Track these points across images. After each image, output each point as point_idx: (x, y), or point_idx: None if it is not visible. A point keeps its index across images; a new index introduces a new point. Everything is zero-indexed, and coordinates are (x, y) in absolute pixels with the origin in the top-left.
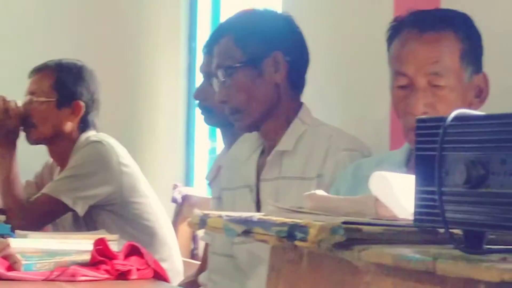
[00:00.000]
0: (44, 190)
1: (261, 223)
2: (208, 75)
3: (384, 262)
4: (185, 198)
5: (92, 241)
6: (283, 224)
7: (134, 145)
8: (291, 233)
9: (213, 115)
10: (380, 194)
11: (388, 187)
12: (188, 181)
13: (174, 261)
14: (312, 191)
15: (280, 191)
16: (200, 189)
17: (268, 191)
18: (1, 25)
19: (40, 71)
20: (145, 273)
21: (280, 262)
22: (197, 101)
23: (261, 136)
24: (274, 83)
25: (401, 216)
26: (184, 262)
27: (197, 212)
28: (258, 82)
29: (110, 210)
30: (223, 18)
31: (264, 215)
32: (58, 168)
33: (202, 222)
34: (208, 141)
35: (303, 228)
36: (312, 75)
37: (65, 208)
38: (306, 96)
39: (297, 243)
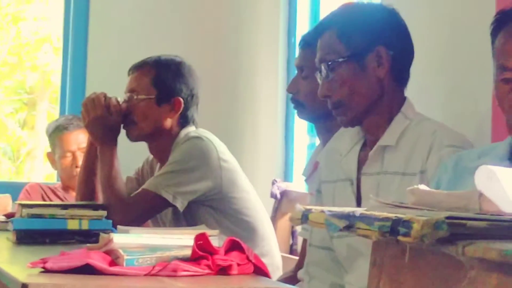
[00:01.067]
0: (145, 186)
1: (363, 218)
2: (301, 68)
3: (488, 257)
4: (283, 193)
5: (193, 237)
6: (386, 219)
7: (233, 141)
8: (394, 228)
9: (304, 109)
10: (486, 188)
11: (495, 181)
12: (287, 177)
13: (274, 256)
14: (415, 186)
15: (381, 186)
16: (299, 184)
17: (369, 185)
18: (102, 22)
19: (140, 68)
20: (246, 268)
21: (382, 257)
22: (290, 95)
23: (362, 130)
24: (377, 77)
25: (508, 211)
26: (283, 257)
27: (299, 207)
28: (361, 76)
29: (210, 205)
30: (322, 14)
31: (366, 210)
32: (158, 164)
33: (304, 217)
34: (307, 136)
35: (406, 223)
36: (415, 70)
37: (165, 204)
38: (409, 91)
39: (400, 238)
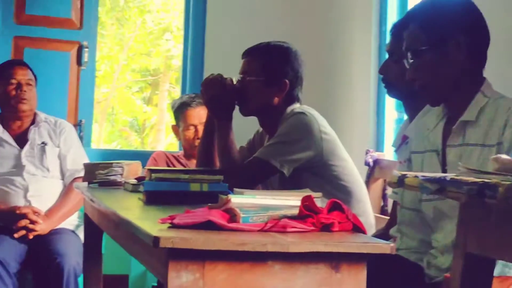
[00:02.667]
0: (256, 154)
1: (453, 182)
2: (391, 53)
3: None
4: (376, 161)
5: (300, 198)
6: (473, 183)
7: (332, 116)
8: (481, 191)
9: (394, 89)
10: None
11: None
12: (378, 147)
13: (368, 216)
14: (498, 155)
15: (463, 156)
16: (389, 153)
17: (453, 156)
18: (218, 12)
19: (252, 53)
20: (346, 225)
21: (469, 218)
22: (382, 76)
23: (446, 107)
24: (457, 62)
25: None
26: (375, 217)
27: (396, 173)
28: (442, 62)
29: (313, 172)
30: (410, 5)
31: (455, 176)
32: (267, 136)
33: (400, 181)
34: (395, 112)
35: (493, 187)
36: (492, 53)
37: (274, 170)
38: (487, 72)
39: (487, 200)
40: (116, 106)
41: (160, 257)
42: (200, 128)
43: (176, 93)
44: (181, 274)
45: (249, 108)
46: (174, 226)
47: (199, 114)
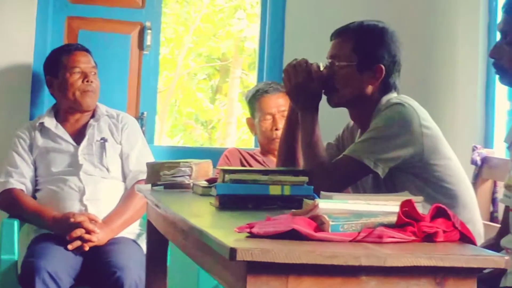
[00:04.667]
0: (346, 152)
1: None
2: (505, 33)
3: None
4: (484, 160)
5: (398, 203)
6: None
7: (434, 107)
8: None
9: (507, 75)
10: None
11: None
12: (487, 143)
13: (475, 223)
14: None
15: None
16: (500, 150)
17: None
18: None
19: (341, 34)
20: (452, 235)
21: None
22: (492, 60)
23: None
24: None
25: None
26: (484, 224)
27: None
28: None
29: (411, 172)
30: None
31: None
32: (359, 131)
33: None
34: (508, 102)
35: None
36: None
37: (366, 170)
38: None
39: None
40: (179, 96)
41: (237, 271)
42: (279, 118)
43: (250, 80)
44: None
45: (339, 98)
46: (253, 236)
47: (277, 102)
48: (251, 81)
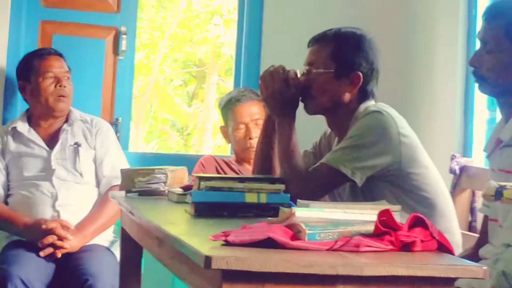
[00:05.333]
0: (323, 160)
1: None
2: (485, 41)
3: None
4: (463, 169)
5: (376, 212)
6: None
7: (411, 114)
8: None
9: (487, 84)
10: None
11: None
12: (466, 152)
13: (453, 233)
14: None
15: None
16: (479, 159)
17: None
18: None
19: (319, 41)
20: (430, 245)
21: None
22: (472, 68)
23: None
24: None
25: None
26: (462, 234)
27: (493, 183)
28: None
29: (388, 181)
30: None
31: None
32: (336, 138)
33: (498, 194)
34: (487, 110)
35: None
36: None
37: (344, 179)
38: None
39: None
40: (155, 101)
41: (212, 279)
42: (252, 127)
43: (227, 86)
44: None
45: (316, 106)
46: (228, 244)
47: (250, 111)
48: (228, 87)
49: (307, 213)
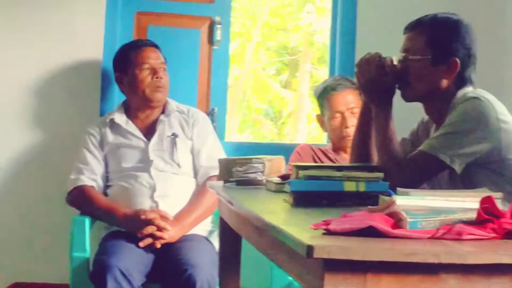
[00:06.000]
0: (421, 148)
1: None
2: None
3: None
4: None
5: (477, 199)
6: None
7: (508, 100)
8: None
9: None
10: None
11: None
12: None
13: None
14: None
15: None
16: None
17: None
18: None
19: (415, 27)
20: None
21: None
22: None
23: None
24: None
25: None
26: None
27: None
28: None
29: (488, 167)
30: None
31: None
32: (434, 125)
33: None
34: None
35: None
36: None
37: (442, 166)
38: None
39: None
40: (248, 91)
41: (314, 269)
42: (348, 116)
43: (319, 75)
44: None
45: (413, 93)
46: (329, 233)
47: (345, 99)
48: (321, 75)
49: (407, 201)
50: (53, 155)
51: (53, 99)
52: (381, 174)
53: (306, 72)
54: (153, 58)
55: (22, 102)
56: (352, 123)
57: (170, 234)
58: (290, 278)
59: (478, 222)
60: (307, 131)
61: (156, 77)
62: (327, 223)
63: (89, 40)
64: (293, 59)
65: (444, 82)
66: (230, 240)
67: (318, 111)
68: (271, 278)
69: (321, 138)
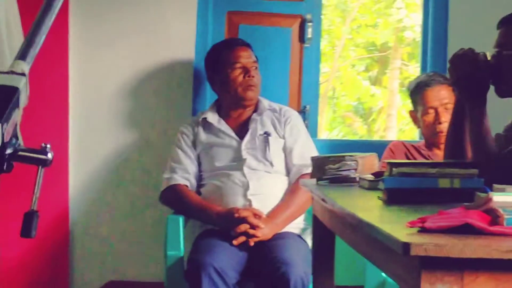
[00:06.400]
0: None
1: None
2: None
3: None
4: None
5: None
6: None
7: None
8: None
9: None
10: None
11: None
12: None
13: None
14: None
15: None
16: None
17: None
18: None
19: (509, 22)
20: None
21: None
22: None
23: None
24: None
25: None
26: None
27: None
28: None
29: None
30: None
31: None
32: None
33: None
34: None
35: None
36: None
37: None
38: None
39: None
40: (337, 88)
41: (410, 266)
42: (441, 111)
43: (410, 71)
44: (436, 287)
45: (508, 88)
46: (425, 230)
47: (439, 95)
48: (411, 71)
49: (504, 197)
50: (147, 154)
51: (146, 98)
52: (476, 171)
53: (396, 68)
54: (244, 57)
55: (117, 101)
56: (446, 118)
57: (264, 232)
58: (384, 275)
59: None
60: (397, 127)
61: (248, 76)
62: (423, 220)
63: (181, 40)
64: (383, 56)
65: None
66: (324, 237)
67: (410, 107)
68: (365, 276)
69: (412, 134)
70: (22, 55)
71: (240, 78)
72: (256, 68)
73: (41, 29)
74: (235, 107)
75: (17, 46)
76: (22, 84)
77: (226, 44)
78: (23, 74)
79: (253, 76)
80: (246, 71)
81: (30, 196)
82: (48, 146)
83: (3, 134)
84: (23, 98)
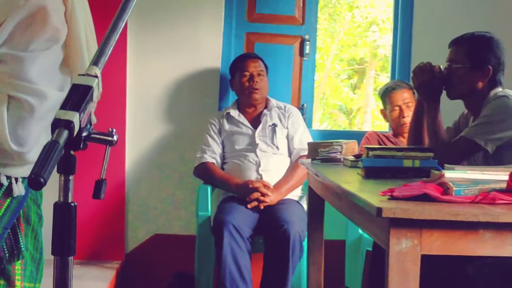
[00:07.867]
0: (462, 134)
1: None
2: None
3: None
4: None
5: (507, 173)
6: None
7: None
8: None
9: None
10: None
11: None
12: None
13: None
14: None
15: None
16: None
17: None
18: (425, 10)
19: (457, 43)
20: None
21: None
22: None
23: None
24: None
25: None
26: None
27: None
28: None
29: None
30: None
31: None
32: (472, 117)
33: None
34: None
35: None
36: None
37: (478, 148)
38: None
39: None
40: (327, 91)
41: (382, 225)
42: (404, 108)
43: (381, 79)
44: (401, 241)
45: (456, 93)
46: (393, 198)
47: (402, 96)
48: (383, 80)
49: (453, 174)
50: (184, 139)
51: (183, 97)
52: (431, 154)
53: (371, 77)
54: (252, 67)
55: (162, 99)
56: (408, 114)
57: (271, 199)
58: (361, 231)
59: (508, 190)
60: (372, 121)
61: (252, 82)
62: (392, 190)
63: (210, 53)
64: (361, 68)
65: (480, 84)
66: (316, 203)
67: (381, 107)
68: (347, 232)
69: (383, 127)
70: (95, 62)
71: (247, 83)
72: (261, 75)
73: (109, 42)
74: (249, 105)
75: (92, 53)
76: (95, 84)
77: (242, 57)
78: (96, 76)
79: (256, 82)
80: (252, 78)
81: (99, 167)
82: (114, 130)
83: (80, 121)
84: (96, 94)
